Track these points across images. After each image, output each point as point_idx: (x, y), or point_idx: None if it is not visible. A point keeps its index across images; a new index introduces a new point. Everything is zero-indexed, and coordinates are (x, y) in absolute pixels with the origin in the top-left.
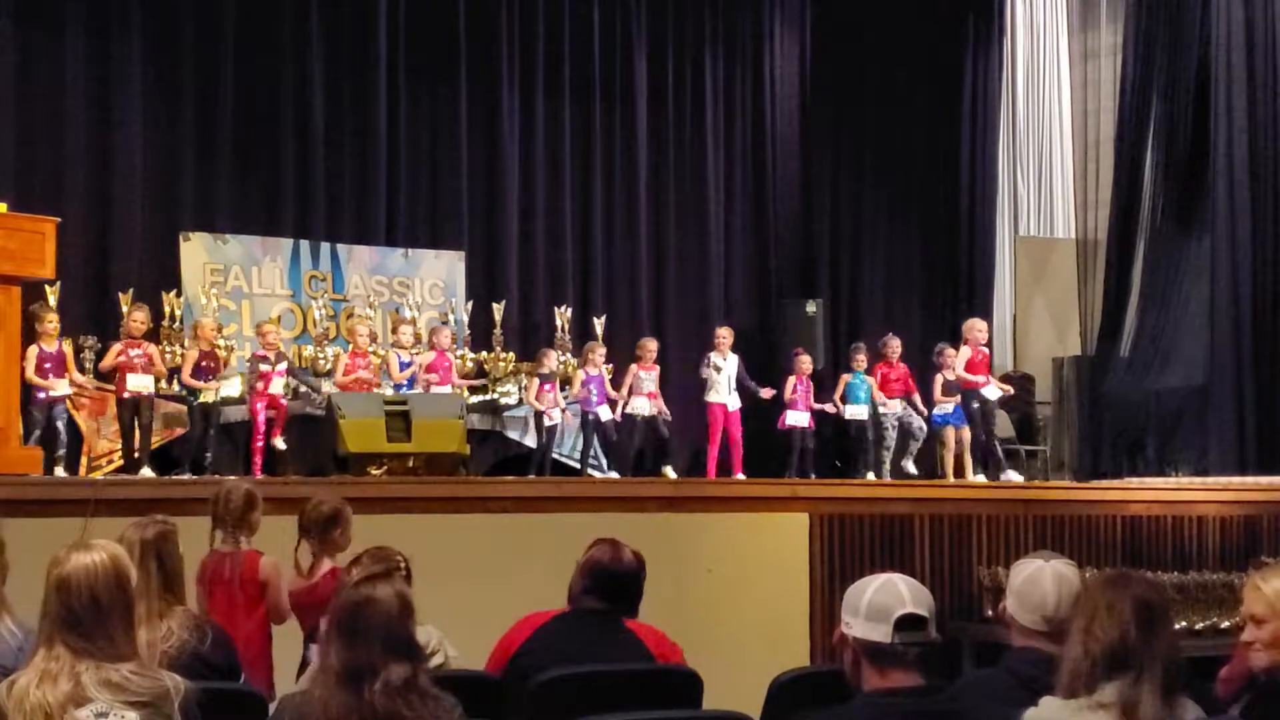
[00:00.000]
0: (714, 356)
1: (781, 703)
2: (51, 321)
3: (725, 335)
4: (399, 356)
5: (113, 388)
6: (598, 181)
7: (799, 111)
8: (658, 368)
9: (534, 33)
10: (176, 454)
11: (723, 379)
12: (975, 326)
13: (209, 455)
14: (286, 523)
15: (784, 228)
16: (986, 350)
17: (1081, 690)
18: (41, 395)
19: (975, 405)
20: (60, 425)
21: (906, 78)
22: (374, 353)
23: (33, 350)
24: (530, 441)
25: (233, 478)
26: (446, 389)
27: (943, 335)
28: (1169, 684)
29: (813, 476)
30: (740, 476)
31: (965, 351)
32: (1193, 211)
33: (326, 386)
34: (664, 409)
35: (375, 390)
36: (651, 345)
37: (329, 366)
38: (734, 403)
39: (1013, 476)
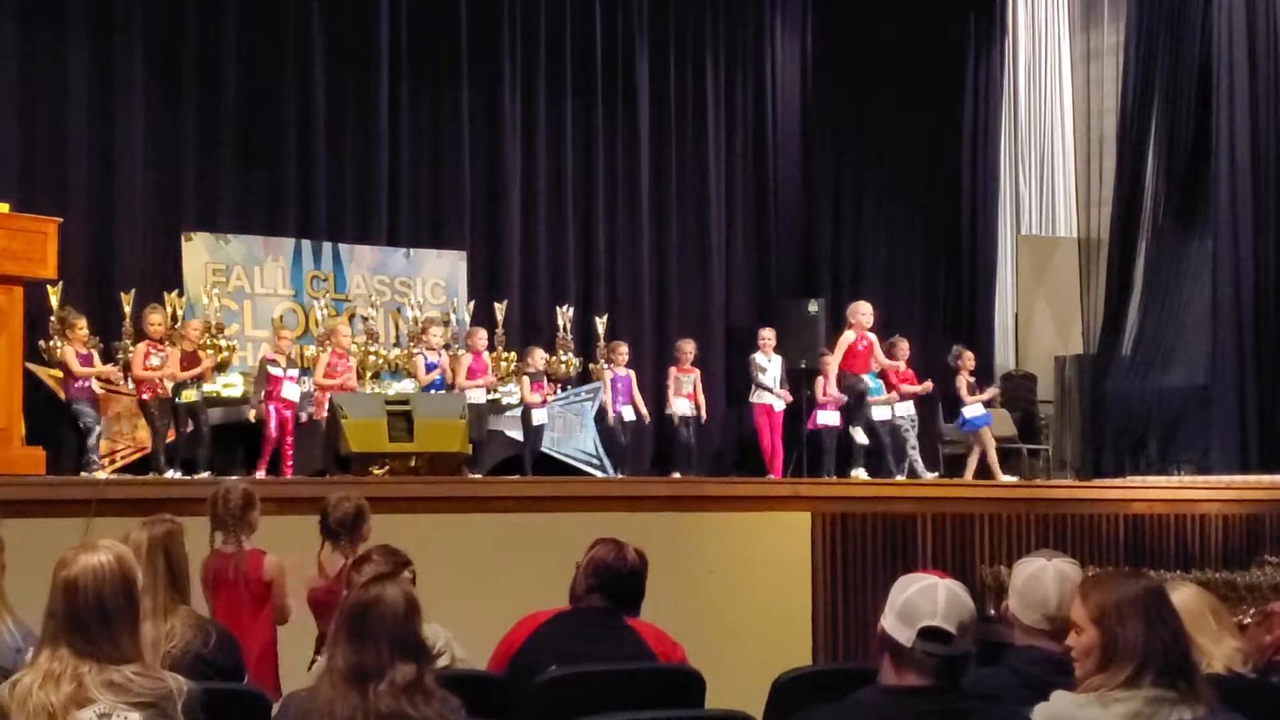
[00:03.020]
0: (758, 357)
1: (784, 702)
2: (82, 327)
3: (768, 336)
4: (425, 358)
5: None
6: (600, 181)
7: (800, 111)
8: (697, 370)
9: (536, 33)
10: (176, 455)
11: (768, 379)
12: (859, 310)
13: (202, 455)
14: (288, 522)
15: (785, 227)
16: (873, 336)
17: (1121, 686)
18: (84, 384)
19: (852, 389)
20: (90, 425)
21: (908, 77)
22: (376, 353)
23: (70, 350)
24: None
25: (231, 478)
26: (482, 393)
27: (945, 334)
28: (1196, 679)
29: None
30: (771, 478)
31: (848, 336)
32: (1195, 210)
33: (307, 385)
34: (703, 411)
35: (363, 390)
36: (688, 347)
37: None
38: (779, 404)
39: (861, 474)
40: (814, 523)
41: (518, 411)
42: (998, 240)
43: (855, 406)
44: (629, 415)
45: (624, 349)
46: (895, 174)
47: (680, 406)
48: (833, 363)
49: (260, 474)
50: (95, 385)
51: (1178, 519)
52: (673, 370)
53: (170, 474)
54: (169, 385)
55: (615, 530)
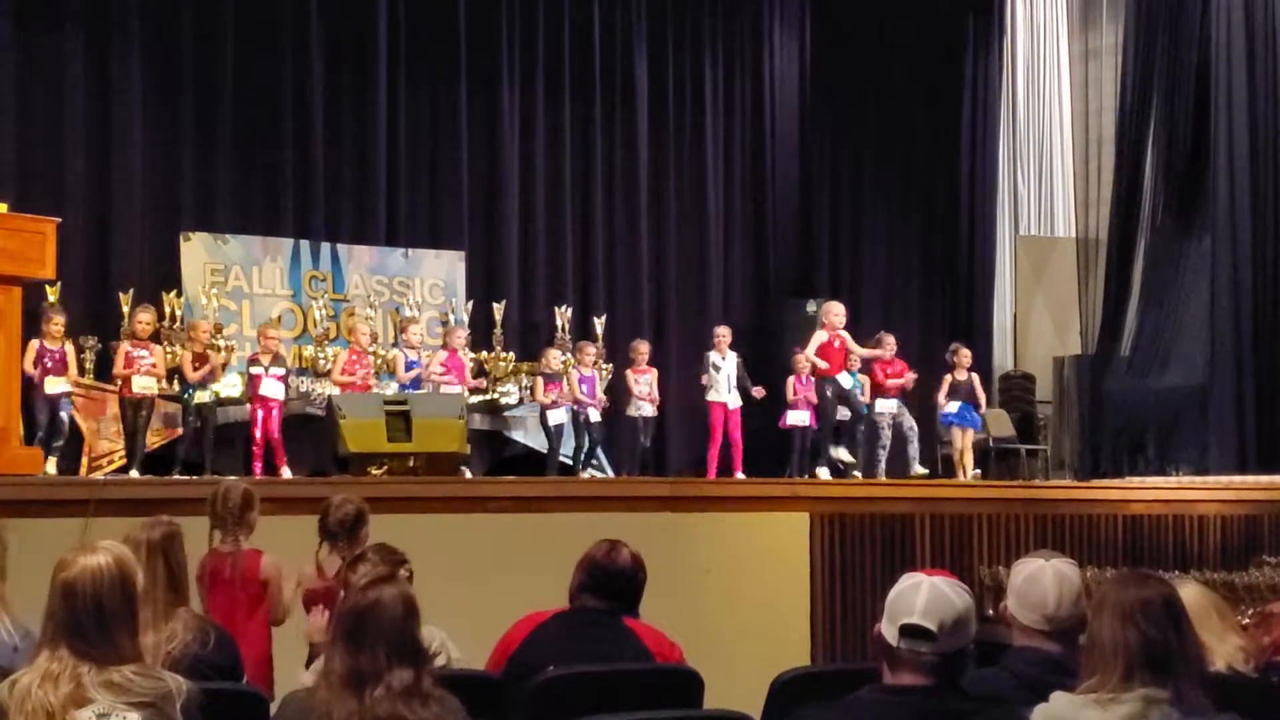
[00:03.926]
0: (713, 355)
1: (782, 702)
2: (57, 323)
3: (723, 334)
4: (406, 356)
5: (112, 387)
6: (598, 181)
7: (798, 111)
8: (653, 370)
9: (534, 33)
10: (178, 455)
11: (722, 378)
12: (831, 310)
13: (208, 456)
14: (287, 523)
15: (783, 227)
16: (845, 335)
17: (1115, 687)
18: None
19: (828, 393)
20: (64, 421)
21: (906, 77)
22: (374, 353)
23: (34, 344)
24: (532, 442)
25: (231, 477)
26: (458, 389)
27: (943, 335)
28: (1201, 680)
29: (810, 476)
30: (740, 476)
31: (820, 335)
32: (1193, 211)
33: (322, 386)
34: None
35: (374, 390)
36: (643, 348)
37: (329, 366)
38: (734, 401)
39: (823, 474)
40: (812, 523)
41: (519, 411)
42: (996, 240)
43: (829, 408)
44: (595, 416)
45: (591, 349)
46: (893, 174)
47: (643, 408)
48: (803, 361)
49: (256, 473)
50: (50, 387)
51: (1176, 519)
52: (628, 373)
53: (133, 474)
54: (142, 384)
55: (614, 531)
